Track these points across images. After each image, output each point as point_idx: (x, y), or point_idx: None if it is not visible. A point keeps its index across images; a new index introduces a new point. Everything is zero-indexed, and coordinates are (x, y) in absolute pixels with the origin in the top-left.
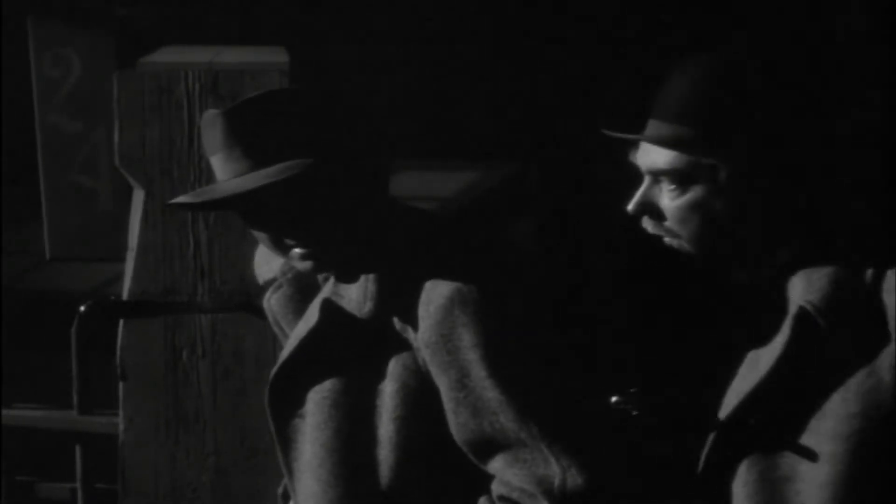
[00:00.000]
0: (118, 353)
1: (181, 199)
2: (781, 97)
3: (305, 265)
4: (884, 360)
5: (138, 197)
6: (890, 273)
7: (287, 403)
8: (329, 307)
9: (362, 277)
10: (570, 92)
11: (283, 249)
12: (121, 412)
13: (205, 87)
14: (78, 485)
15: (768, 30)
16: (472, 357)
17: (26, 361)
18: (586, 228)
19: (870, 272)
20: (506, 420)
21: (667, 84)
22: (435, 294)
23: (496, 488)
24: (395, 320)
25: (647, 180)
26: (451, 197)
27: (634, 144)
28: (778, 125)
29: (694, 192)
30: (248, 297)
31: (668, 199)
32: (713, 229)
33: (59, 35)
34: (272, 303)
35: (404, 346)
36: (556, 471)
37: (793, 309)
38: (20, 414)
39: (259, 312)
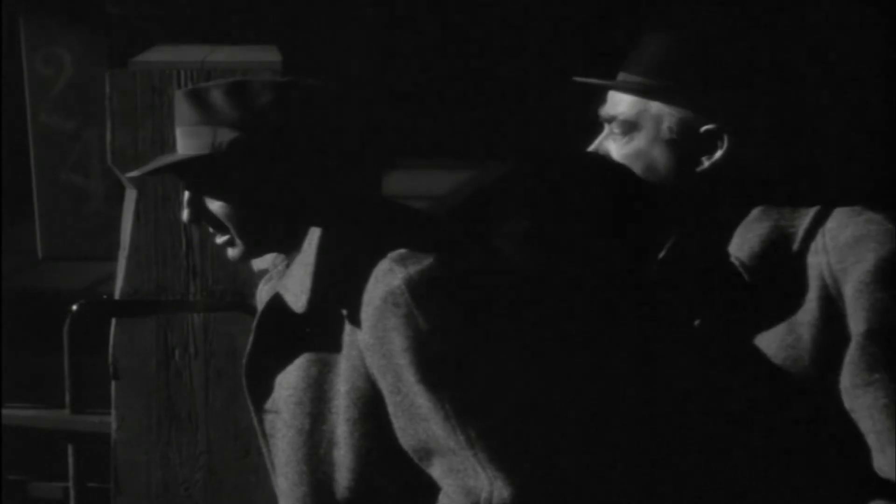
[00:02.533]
0: (110, 352)
1: (134, 173)
2: (738, 60)
3: (231, 254)
4: (803, 317)
5: (130, 196)
6: (819, 233)
7: (263, 398)
8: (275, 300)
9: (303, 270)
10: (565, 91)
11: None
12: (113, 411)
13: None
14: (70, 484)
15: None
16: (402, 361)
17: (18, 361)
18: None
19: (802, 231)
20: (436, 427)
21: (638, 41)
22: (372, 296)
23: (442, 499)
24: (346, 321)
25: (605, 130)
26: (441, 196)
27: (603, 99)
28: (727, 85)
29: (637, 141)
30: (240, 296)
31: (616, 148)
32: (652, 179)
33: (51, 34)
34: (262, 294)
35: (353, 346)
36: (484, 482)
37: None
38: (12, 413)
39: (251, 312)
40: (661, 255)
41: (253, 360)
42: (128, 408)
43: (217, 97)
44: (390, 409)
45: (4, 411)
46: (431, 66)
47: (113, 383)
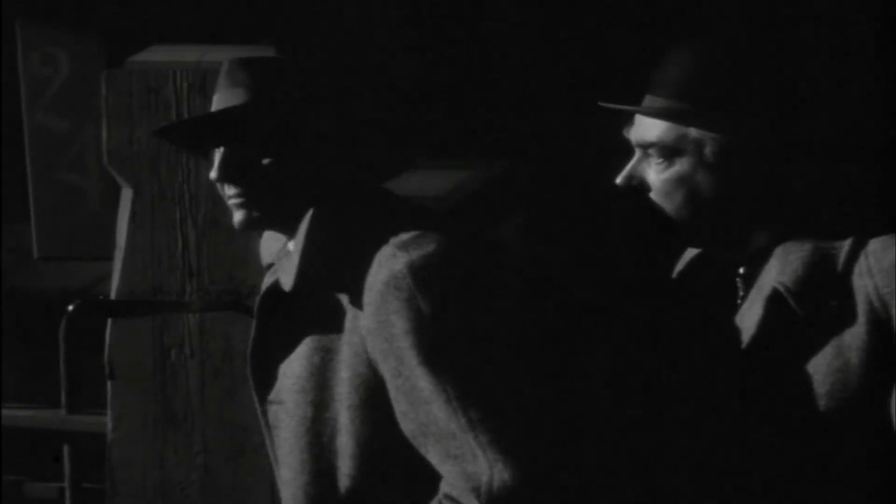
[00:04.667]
0: (106, 352)
1: (162, 126)
2: (773, 79)
3: (239, 217)
4: (851, 341)
5: (126, 196)
6: (862, 255)
7: (267, 388)
8: (274, 285)
9: (295, 252)
10: (561, 90)
11: (226, 199)
12: (109, 411)
13: (193, 87)
14: (66, 484)
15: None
16: (404, 344)
17: (14, 361)
18: (575, 225)
19: (844, 254)
20: (437, 410)
21: (663, 62)
22: (375, 280)
23: (442, 485)
24: (348, 305)
25: (637, 154)
26: (440, 195)
27: (629, 121)
28: (766, 106)
29: (679, 166)
30: (236, 296)
31: (655, 173)
32: (695, 204)
33: (47, 34)
34: (266, 288)
35: (355, 332)
36: (484, 466)
37: (767, 290)
38: (8, 413)
39: (247, 312)
40: (682, 268)
41: (257, 350)
42: (124, 408)
43: (254, 67)
44: (391, 393)
45: (1, 411)
46: (430, 66)
47: (109, 383)
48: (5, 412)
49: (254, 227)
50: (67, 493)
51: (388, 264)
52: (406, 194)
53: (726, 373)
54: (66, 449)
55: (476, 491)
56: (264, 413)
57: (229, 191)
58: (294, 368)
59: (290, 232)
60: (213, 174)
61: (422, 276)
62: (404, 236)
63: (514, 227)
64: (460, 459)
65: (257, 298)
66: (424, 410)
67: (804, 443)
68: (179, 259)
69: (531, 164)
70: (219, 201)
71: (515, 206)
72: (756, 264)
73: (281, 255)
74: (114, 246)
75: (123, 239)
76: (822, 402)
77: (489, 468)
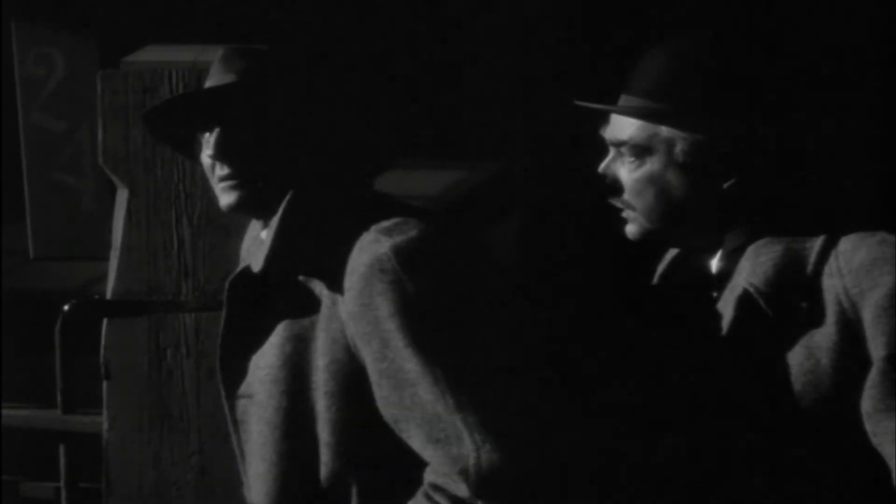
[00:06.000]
0: (102, 352)
1: (154, 105)
2: (745, 80)
3: (229, 199)
4: (822, 341)
5: (122, 196)
6: (833, 255)
7: (235, 383)
8: (245, 271)
9: (268, 238)
10: (556, 91)
11: (216, 180)
12: (104, 411)
13: (188, 87)
14: (62, 484)
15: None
16: (390, 327)
17: (9, 361)
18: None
19: (814, 254)
20: (423, 392)
21: (639, 62)
22: (358, 263)
23: (426, 474)
24: (325, 291)
25: (611, 153)
26: (434, 196)
27: (606, 120)
28: (737, 106)
29: (650, 165)
30: None
31: (627, 172)
32: (665, 202)
33: (42, 34)
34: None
35: (334, 318)
36: (470, 448)
37: (737, 291)
38: (4, 413)
39: None
40: (663, 269)
41: (226, 342)
42: (119, 408)
43: (246, 56)
44: (373, 377)
45: None
46: (427, 66)
47: (104, 383)
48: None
49: (242, 209)
50: (63, 493)
51: (372, 248)
52: (399, 194)
53: (702, 375)
54: (61, 449)
55: (463, 473)
56: (232, 408)
57: (221, 171)
58: (267, 359)
59: (269, 218)
60: (207, 152)
61: (407, 258)
62: (386, 223)
63: (507, 228)
64: (444, 443)
65: (225, 288)
66: (409, 393)
67: (777, 443)
68: (175, 259)
69: (524, 163)
70: (214, 201)
71: (509, 206)
72: (730, 264)
73: (251, 246)
74: (109, 246)
75: (119, 239)
76: (794, 403)
77: (476, 450)
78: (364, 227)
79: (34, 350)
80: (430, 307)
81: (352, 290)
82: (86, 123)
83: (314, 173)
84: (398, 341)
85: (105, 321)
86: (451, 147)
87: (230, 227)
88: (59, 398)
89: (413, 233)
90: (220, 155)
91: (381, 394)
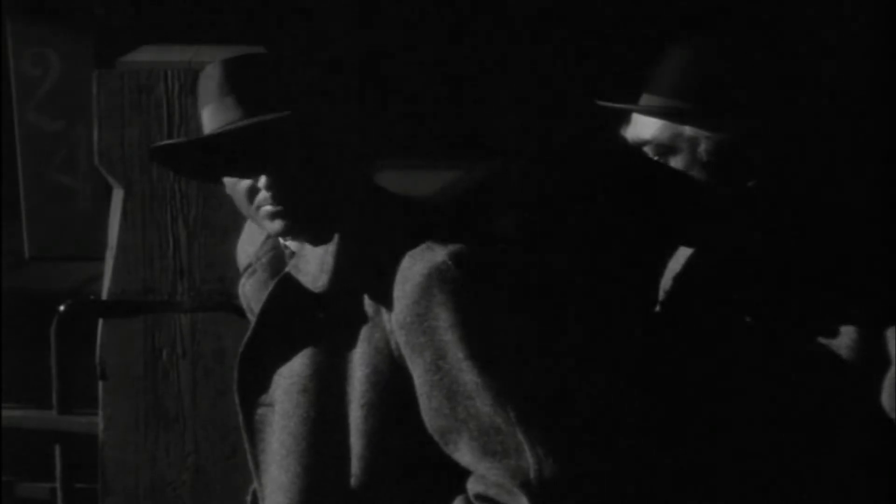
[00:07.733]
0: (98, 352)
1: (169, 141)
2: (768, 79)
3: (276, 225)
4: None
5: (117, 196)
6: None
7: (255, 391)
8: (286, 282)
9: (321, 251)
10: (555, 89)
11: (256, 207)
12: (100, 412)
13: (184, 87)
14: (58, 484)
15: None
16: (449, 338)
17: (5, 361)
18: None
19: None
20: (482, 404)
21: (661, 62)
22: (412, 272)
23: (472, 486)
24: (367, 301)
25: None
26: (434, 194)
27: (626, 120)
28: (761, 105)
29: (674, 164)
30: (227, 296)
31: None
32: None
33: (38, 34)
34: (246, 289)
35: (377, 328)
36: (531, 461)
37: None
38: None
39: (239, 311)
40: (680, 269)
41: (250, 350)
42: (115, 408)
43: (265, 73)
44: (423, 389)
45: None
46: (424, 66)
47: (100, 384)
48: None
49: (292, 233)
50: (59, 494)
51: (427, 257)
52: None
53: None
54: (57, 449)
55: (525, 486)
56: (248, 416)
57: (267, 203)
58: (293, 367)
59: (316, 237)
60: (267, 199)
61: (467, 268)
62: (436, 232)
63: (507, 226)
64: (502, 455)
65: (263, 299)
66: (464, 406)
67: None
68: (170, 259)
69: (524, 162)
70: (209, 201)
71: (508, 204)
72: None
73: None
74: (105, 246)
75: (114, 239)
76: (844, 378)
77: (537, 463)
78: (407, 236)
79: (30, 350)
80: (493, 319)
81: (404, 299)
82: (82, 123)
83: (353, 185)
84: (458, 352)
85: (101, 321)
86: (450, 147)
87: (225, 227)
88: (54, 398)
89: (465, 245)
90: (280, 198)
91: (432, 405)
